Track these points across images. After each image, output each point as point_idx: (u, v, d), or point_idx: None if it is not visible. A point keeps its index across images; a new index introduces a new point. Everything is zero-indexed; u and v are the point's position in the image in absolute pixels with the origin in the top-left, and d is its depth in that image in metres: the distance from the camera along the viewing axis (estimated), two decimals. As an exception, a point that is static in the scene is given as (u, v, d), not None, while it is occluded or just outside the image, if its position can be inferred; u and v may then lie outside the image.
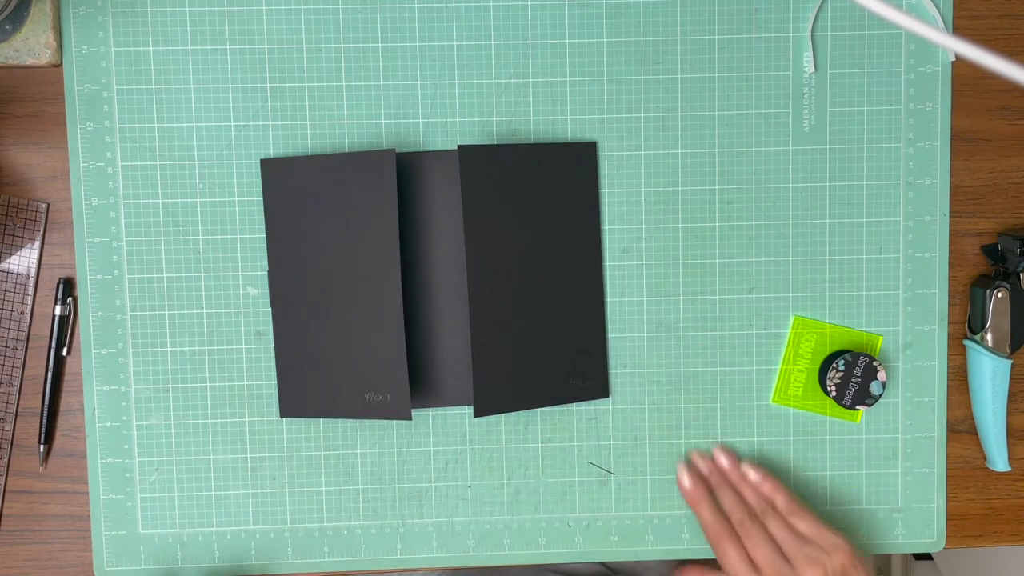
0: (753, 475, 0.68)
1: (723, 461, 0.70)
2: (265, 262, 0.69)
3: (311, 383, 0.68)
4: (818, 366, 0.71)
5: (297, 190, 0.67)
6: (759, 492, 0.67)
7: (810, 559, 0.62)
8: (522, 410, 0.69)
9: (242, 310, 0.69)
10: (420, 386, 0.70)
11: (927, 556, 1.35)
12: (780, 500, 0.67)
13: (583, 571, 0.85)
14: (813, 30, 0.69)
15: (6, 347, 0.69)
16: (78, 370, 0.69)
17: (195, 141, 0.68)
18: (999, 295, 0.69)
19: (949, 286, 0.71)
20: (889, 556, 1.42)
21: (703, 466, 0.70)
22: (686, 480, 0.69)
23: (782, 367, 0.71)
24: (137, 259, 0.68)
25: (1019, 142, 0.71)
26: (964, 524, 0.73)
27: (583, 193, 0.69)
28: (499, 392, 0.67)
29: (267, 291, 0.69)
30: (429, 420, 0.70)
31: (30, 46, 0.66)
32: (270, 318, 0.69)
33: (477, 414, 0.67)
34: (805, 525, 0.65)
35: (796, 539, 0.64)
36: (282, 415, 0.69)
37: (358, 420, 0.70)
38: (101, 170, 0.68)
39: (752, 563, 0.63)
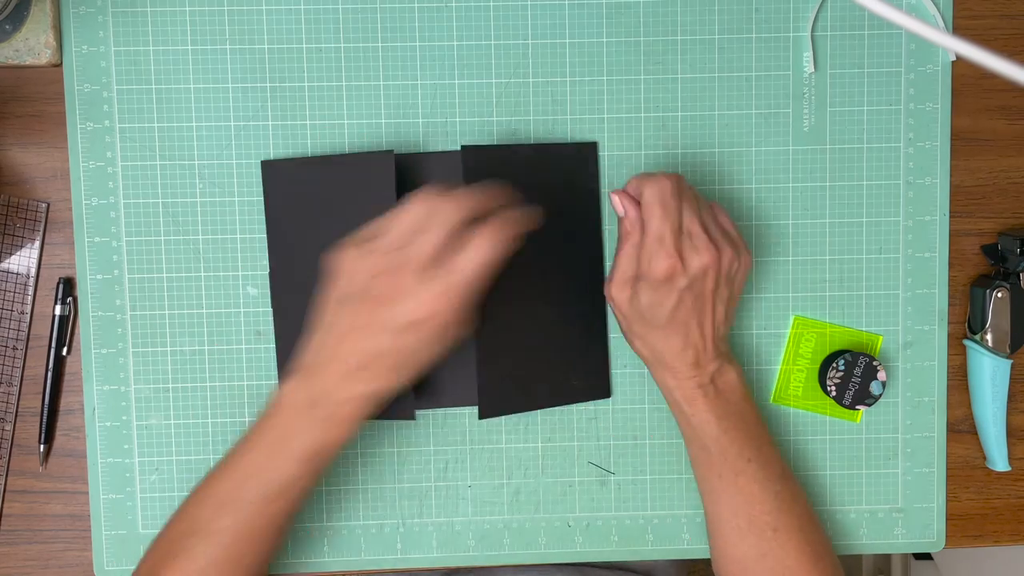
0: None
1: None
2: (265, 262, 0.69)
3: (311, 383, 0.68)
4: (818, 366, 0.71)
5: (297, 191, 0.67)
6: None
7: (712, 244, 0.61)
8: (526, 411, 0.69)
9: (242, 310, 0.69)
10: (420, 386, 0.69)
11: (927, 556, 1.35)
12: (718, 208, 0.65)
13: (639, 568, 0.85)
14: (813, 30, 0.69)
15: (6, 347, 0.69)
16: (78, 370, 0.69)
17: (195, 141, 0.68)
18: (999, 295, 0.69)
19: (949, 286, 0.71)
20: (889, 556, 1.42)
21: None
22: (623, 207, 0.63)
23: (782, 367, 0.71)
24: (137, 259, 0.68)
25: (1019, 142, 0.71)
26: (964, 524, 0.73)
27: (583, 193, 0.69)
28: (503, 394, 0.67)
29: (267, 291, 0.69)
30: (429, 420, 0.70)
31: (30, 46, 0.66)
32: (270, 318, 0.69)
33: (483, 416, 0.67)
34: (730, 226, 0.64)
35: (718, 225, 0.63)
36: (282, 415, 0.69)
37: (358, 420, 0.70)
38: (101, 170, 0.68)
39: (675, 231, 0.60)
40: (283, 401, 0.59)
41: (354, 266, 0.59)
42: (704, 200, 0.63)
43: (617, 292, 0.63)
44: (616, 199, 0.63)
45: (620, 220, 0.63)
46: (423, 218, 0.57)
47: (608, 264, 0.70)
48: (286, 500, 0.59)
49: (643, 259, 0.61)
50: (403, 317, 0.56)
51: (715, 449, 0.63)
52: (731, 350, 0.66)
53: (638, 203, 0.62)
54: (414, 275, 0.56)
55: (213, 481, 0.61)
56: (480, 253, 0.56)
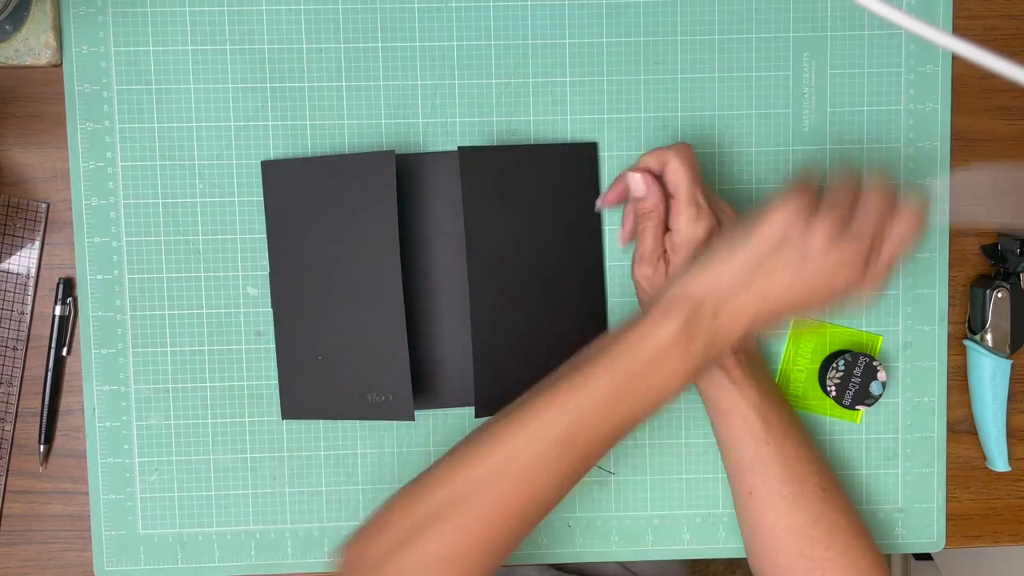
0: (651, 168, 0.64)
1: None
2: (265, 262, 0.69)
3: (312, 385, 0.68)
4: (818, 366, 0.71)
5: (298, 191, 0.67)
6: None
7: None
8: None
9: (242, 310, 0.69)
10: (420, 386, 0.70)
11: (927, 556, 1.35)
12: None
13: (603, 571, 0.85)
14: None
15: (6, 347, 0.69)
16: (78, 370, 0.69)
17: (195, 141, 0.68)
18: (999, 295, 0.69)
19: (949, 286, 0.71)
20: (889, 556, 1.42)
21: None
22: (646, 186, 0.63)
23: (782, 367, 0.71)
24: (137, 259, 0.68)
25: (1019, 142, 0.71)
26: (964, 524, 0.73)
27: (583, 193, 0.69)
28: (500, 392, 0.67)
29: (267, 291, 0.69)
30: (429, 420, 0.70)
31: (30, 46, 0.66)
32: (270, 318, 0.69)
33: (478, 415, 0.67)
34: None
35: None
36: (284, 417, 0.69)
37: (359, 420, 0.70)
38: (101, 170, 0.68)
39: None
40: (663, 336, 0.55)
41: (797, 225, 0.55)
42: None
43: (645, 270, 0.64)
44: (639, 178, 0.63)
45: (638, 200, 0.63)
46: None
47: (608, 263, 0.70)
48: (631, 430, 0.56)
49: (682, 227, 0.61)
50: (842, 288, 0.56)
51: (757, 416, 0.63)
52: None
53: (658, 179, 0.63)
54: (861, 257, 0.55)
55: (552, 404, 0.55)
56: (908, 230, 0.56)
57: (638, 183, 0.63)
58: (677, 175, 0.61)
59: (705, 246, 0.61)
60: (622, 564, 0.85)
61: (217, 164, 0.68)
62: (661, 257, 0.63)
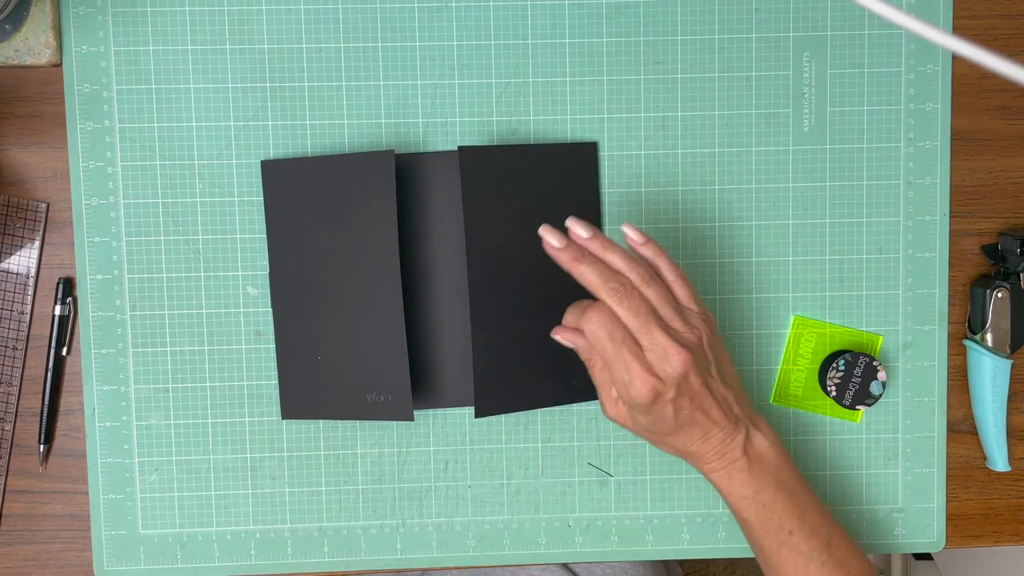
0: (633, 234, 0.61)
1: (582, 230, 0.60)
2: (265, 262, 0.69)
3: (312, 385, 0.68)
4: (818, 366, 0.71)
5: (298, 191, 0.67)
6: (642, 255, 0.62)
7: (679, 329, 0.59)
8: (523, 410, 0.69)
9: (242, 310, 0.69)
10: (421, 387, 0.70)
11: (927, 556, 1.35)
12: (663, 264, 0.61)
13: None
14: None
15: (6, 347, 0.69)
16: (78, 370, 0.69)
17: (195, 141, 0.68)
18: (999, 295, 0.69)
19: (949, 286, 0.71)
20: (889, 556, 1.42)
21: (579, 230, 0.60)
22: (555, 240, 0.59)
23: (782, 367, 0.71)
24: (137, 259, 0.68)
25: (1019, 142, 0.71)
26: (964, 524, 0.73)
27: (583, 193, 0.69)
28: (500, 392, 0.67)
29: (267, 291, 0.69)
30: (429, 420, 0.70)
31: (30, 46, 0.66)
32: (270, 318, 0.69)
33: (478, 415, 0.67)
34: (682, 293, 0.61)
35: (671, 307, 0.59)
36: (284, 417, 0.69)
37: (359, 420, 0.70)
38: (101, 170, 0.68)
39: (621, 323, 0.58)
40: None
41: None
42: (649, 276, 0.59)
43: (614, 414, 0.63)
44: (560, 337, 0.61)
45: (576, 350, 0.62)
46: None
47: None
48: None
49: (619, 389, 0.59)
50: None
51: (756, 523, 0.62)
52: (752, 405, 0.64)
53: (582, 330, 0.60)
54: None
55: None
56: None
57: (563, 342, 0.61)
58: (597, 347, 0.58)
59: (652, 405, 0.58)
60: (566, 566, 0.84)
61: (217, 164, 0.68)
62: (619, 401, 0.62)
